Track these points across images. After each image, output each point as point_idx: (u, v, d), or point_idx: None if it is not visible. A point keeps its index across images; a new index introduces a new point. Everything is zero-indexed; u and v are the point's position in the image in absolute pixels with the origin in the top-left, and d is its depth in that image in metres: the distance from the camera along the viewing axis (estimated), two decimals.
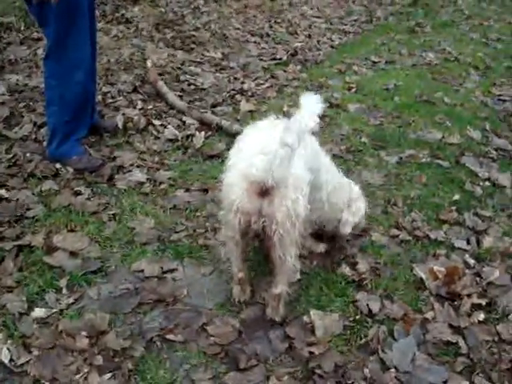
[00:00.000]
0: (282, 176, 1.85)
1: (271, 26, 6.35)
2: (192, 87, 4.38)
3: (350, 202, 2.56)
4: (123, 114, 3.82)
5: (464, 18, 7.65)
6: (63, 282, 2.34)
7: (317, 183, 2.24)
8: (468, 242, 2.81)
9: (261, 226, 1.97)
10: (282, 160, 1.79)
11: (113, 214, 2.82)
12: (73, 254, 2.51)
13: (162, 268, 2.44)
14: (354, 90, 4.62)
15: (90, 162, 3.23)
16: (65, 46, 2.97)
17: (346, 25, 6.81)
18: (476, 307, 2.34)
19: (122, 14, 6.18)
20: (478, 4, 8.61)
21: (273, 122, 2.23)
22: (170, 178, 3.15)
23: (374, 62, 5.37)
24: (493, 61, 5.73)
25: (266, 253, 2.24)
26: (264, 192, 1.91)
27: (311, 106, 1.81)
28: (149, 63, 4.46)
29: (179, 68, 4.83)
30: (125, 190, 3.04)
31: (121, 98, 4.16)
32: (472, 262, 2.65)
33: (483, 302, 2.37)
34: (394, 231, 2.83)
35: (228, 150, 3.38)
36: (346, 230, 2.55)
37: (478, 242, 2.81)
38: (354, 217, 2.55)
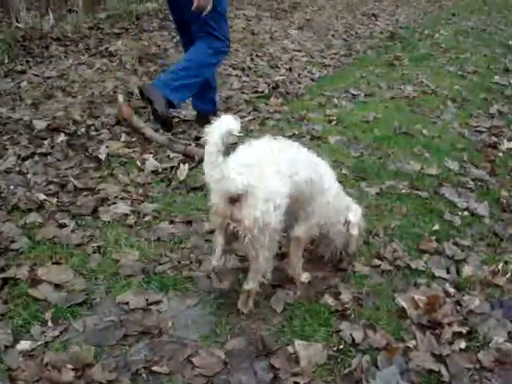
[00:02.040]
0: (247, 187, 2.09)
1: (253, 60, 6.45)
2: (176, 120, 4.43)
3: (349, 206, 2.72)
4: (107, 147, 3.86)
5: (441, 51, 7.83)
6: (48, 315, 2.33)
7: (318, 189, 2.47)
8: (448, 271, 2.85)
9: (233, 228, 2.19)
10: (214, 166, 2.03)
11: (97, 247, 2.83)
12: (58, 287, 2.51)
13: (147, 300, 2.45)
14: (334, 122, 4.70)
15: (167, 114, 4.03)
16: None
17: (326, 58, 6.94)
18: (457, 335, 2.37)
19: (106, 48, 6.26)
20: (454, 37, 8.82)
21: (264, 140, 2.43)
22: (154, 210, 3.18)
23: (354, 95, 5.47)
24: (469, 93, 5.86)
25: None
26: (234, 199, 2.14)
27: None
28: (120, 98, 4.47)
29: None
30: (109, 222, 3.06)
31: (104, 130, 4.21)
32: (452, 290, 2.68)
33: (464, 330, 2.39)
34: (376, 261, 2.87)
35: None
36: (355, 230, 2.67)
37: (458, 271, 2.85)
38: (356, 217, 2.70)
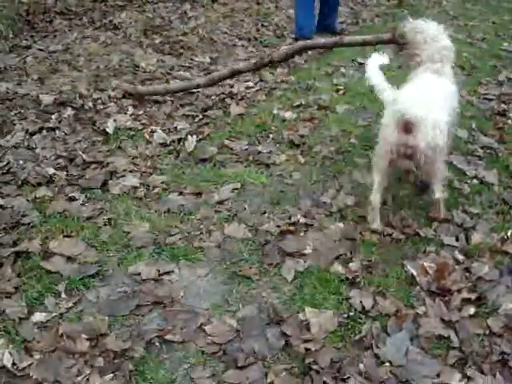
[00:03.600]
0: (420, 118, 2.56)
1: (258, 30, 6.39)
2: (182, 92, 4.41)
3: None
4: (114, 120, 3.86)
5: (449, 18, 7.70)
6: (61, 287, 2.37)
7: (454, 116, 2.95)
8: (457, 239, 2.85)
9: (409, 153, 2.66)
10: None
11: (108, 219, 2.85)
12: (70, 259, 2.54)
13: (158, 271, 2.48)
14: (341, 91, 4.66)
15: None
16: None
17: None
18: (466, 302, 2.39)
19: (110, 21, 6.22)
20: (462, 5, 8.68)
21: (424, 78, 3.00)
22: (163, 182, 3.19)
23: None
24: (478, 60, 5.79)
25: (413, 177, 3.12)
26: (409, 129, 2.60)
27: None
28: (113, 84, 4.51)
29: (168, 73, 4.87)
30: (119, 195, 3.08)
31: (111, 103, 4.20)
32: (461, 257, 2.69)
33: (473, 296, 2.41)
34: (385, 230, 2.88)
35: (219, 153, 3.49)
36: None
37: (467, 239, 2.85)
38: None
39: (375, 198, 2.86)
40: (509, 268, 2.68)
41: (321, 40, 4.24)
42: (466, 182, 3.39)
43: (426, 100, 2.66)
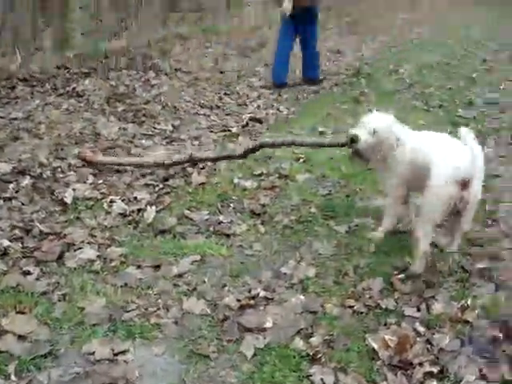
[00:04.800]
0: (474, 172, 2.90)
1: (221, 98, 6.50)
2: (138, 167, 4.40)
3: None
4: (73, 190, 3.82)
5: (406, 86, 7.98)
6: (11, 368, 2.25)
7: None
8: (418, 309, 2.85)
9: (461, 206, 2.97)
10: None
11: (62, 294, 2.76)
12: (21, 338, 2.44)
13: (112, 350, 2.38)
14: (302, 160, 4.73)
15: None
16: None
17: (293, 95, 7.01)
18: (428, 375, 2.35)
19: (73, 88, 6.24)
20: (419, 72, 9.00)
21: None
22: (121, 255, 3.13)
23: (321, 132, 5.52)
24: (435, 127, 5.93)
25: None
26: (465, 186, 2.91)
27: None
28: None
29: (130, 141, 4.88)
30: (75, 268, 3.00)
31: (71, 172, 4.16)
32: (422, 329, 2.67)
33: (435, 369, 2.38)
34: (346, 301, 2.86)
35: (179, 224, 3.45)
36: None
37: (428, 309, 2.85)
38: None
39: (426, 247, 3.10)
40: (470, 337, 2.67)
41: (279, 139, 4.33)
42: None
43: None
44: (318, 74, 7.78)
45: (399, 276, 3.09)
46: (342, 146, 3.77)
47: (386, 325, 2.71)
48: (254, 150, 4.19)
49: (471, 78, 8.76)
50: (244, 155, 4.21)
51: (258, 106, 6.32)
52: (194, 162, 4.29)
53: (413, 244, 3.14)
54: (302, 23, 7.48)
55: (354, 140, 3.36)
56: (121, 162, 4.35)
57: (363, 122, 3.37)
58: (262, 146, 4.20)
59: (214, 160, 4.38)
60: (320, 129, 5.56)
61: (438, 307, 2.85)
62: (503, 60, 10.78)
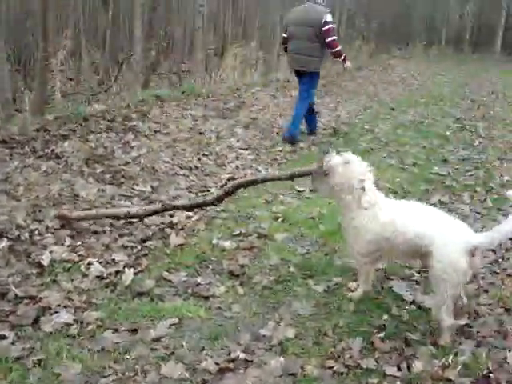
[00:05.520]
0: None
1: (200, 159, 6.55)
2: (121, 222, 4.40)
3: None
4: (50, 252, 3.79)
5: (381, 144, 8.13)
6: None
7: None
8: (399, 368, 2.85)
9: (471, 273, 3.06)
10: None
11: (38, 360, 2.71)
12: None
13: None
14: (280, 219, 4.75)
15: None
16: None
17: (271, 155, 7.10)
18: None
19: (52, 150, 6.25)
20: (394, 131, 9.19)
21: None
22: (97, 319, 3.08)
23: (299, 191, 5.58)
24: (410, 185, 6.06)
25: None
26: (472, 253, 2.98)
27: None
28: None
29: (109, 203, 4.88)
30: (51, 332, 2.95)
31: (49, 234, 4.13)
32: None
33: None
34: (326, 362, 2.84)
35: (157, 286, 3.43)
36: None
37: (409, 367, 2.85)
38: None
39: (450, 320, 3.11)
40: None
41: (249, 178, 4.42)
42: (405, 308, 3.43)
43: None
44: (295, 133, 7.86)
45: (379, 335, 3.10)
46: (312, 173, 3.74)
47: None
48: (227, 194, 4.20)
49: (445, 136, 8.97)
50: (218, 200, 4.20)
51: (237, 167, 6.38)
52: (167, 210, 4.29)
53: (436, 320, 3.17)
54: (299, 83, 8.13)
55: (326, 152, 3.41)
56: (96, 214, 4.36)
57: (345, 154, 3.39)
58: (234, 188, 4.21)
59: (188, 208, 4.38)
60: (298, 188, 5.62)
61: (418, 365, 2.85)
62: (475, 118, 11.08)
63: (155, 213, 4.31)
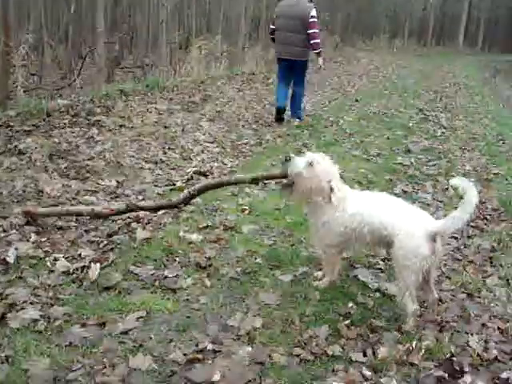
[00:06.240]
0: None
1: (165, 153, 6.53)
2: (87, 217, 4.37)
3: None
4: (16, 249, 3.75)
5: (346, 136, 8.23)
6: None
7: None
8: (364, 354, 2.91)
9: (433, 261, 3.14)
10: None
11: (5, 356, 2.69)
12: None
13: None
14: (246, 211, 4.79)
15: None
16: None
17: (237, 148, 7.13)
18: None
19: (15, 146, 6.16)
20: (358, 123, 9.32)
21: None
22: (65, 314, 3.07)
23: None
24: (375, 175, 6.15)
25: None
26: (434, 239, 3.08)
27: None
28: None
29: (74, 198, 4.84)
30: (18, 329, 2.92)
31: (13, 231, 4.09)
32: (369, 373, 2.74)
33: None
34: (294, 350, 2.89)
35: (124, 280, 3.42)
36: None
37: (374, 353, 2.92)
38: None
39: (414, 306, 3.18)
40: (416, 379, 2.74)
41: (214, 180, 4.53)
42: (370, 296, 3.50)
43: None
44: (300, 114, 9.13)
45: (345, 322, 3.16)
46: (277, 177, 3.80)
47: (333, 371, 2.76)
48: (192, 196, 4.20)
49: (408, 127, 9.12)
50: (183, 202, 4.19)
51: (203, 160, 6.38)
52: (132, 211, 4.27)
53: (400, 306, 3.23)
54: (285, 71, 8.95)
55: (287, 160, 3.41)
56: (61, 211, 4.33)
57: (306, 154, 3.42)
58: (200, 190, 4.21)
59: (153, 209, 4.37)
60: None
61: (383, 351, 2.91)
62: (438, 109, 11.28)
63: (120, 213, 4.27)
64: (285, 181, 3.49)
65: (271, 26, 8.93)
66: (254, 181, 4.07)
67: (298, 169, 3.32)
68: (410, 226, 3.12)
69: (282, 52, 8.69)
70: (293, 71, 8.82)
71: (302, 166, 3.31)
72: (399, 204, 3.32)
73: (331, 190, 3.29)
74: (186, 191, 4.23)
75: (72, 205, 4.64)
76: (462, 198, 3.04)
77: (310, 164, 3.29)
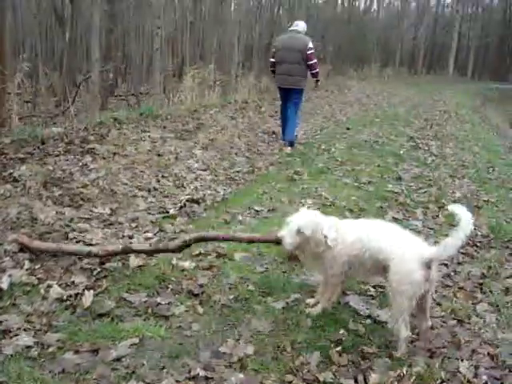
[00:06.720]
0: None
1: (158, 180, 6.58)
2: (81, 244, 4.40)
3: None
4: (9, 276, 3.77)
5: (337, 164, 8.31)
6: None
7: None
8: (355, 381, 2.94)
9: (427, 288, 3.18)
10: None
11: None
12: None
13: None
14: None
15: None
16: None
17: (229, 176, 7.19)
18: None
19: (10, 173, 6.20)
20: (349, 151, 9.40)
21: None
22: (58, 340, 3.09)
23: (257, 211, 5.66)
24: (366, 202, 6.21)
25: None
26: (429, 266, 3.14)
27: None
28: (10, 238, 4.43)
29: (67, 225, 4.87)
30: (11, 355, 2.94)
31: (7, 258, 4.11)
32: None
33: None
34: (285, 377, 2.92)
35: (118, 307, 3.44)
36: None
37: (365, 379, 2.94)
38: None
39: (407, 332, 3.22)
40: None
41: (211, 233, 4.46)
42: (361, 322, 3.54)
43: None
44: (293, 138, 9.39)
45: (336, 349, 3.18)
46: (273, 242, 3.91)
47: None
48: (188, 245, 4.16)
49: (399, 155, 9.22)
50: (179, 249, 4.17)
51: (196, 188, 6.42)
52: (127, 253, 4.23)
53: (393, 332, 3.26)
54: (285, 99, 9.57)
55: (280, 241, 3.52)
56: (56, 248, 4.30)
57: (289, 221, 3.49)
58: (196, 240, 4.20)
59: (150, 252, 4.30)
60: (256, 208, 5.71)
61: (374, 377, 2.95)
62: (429, 137, 11.41)
63: (116, 254, 4.26)
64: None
65: (271, 60, 9.55)
66: (250, 242, 4.14)
67: (290, 241, 3.42)
68: (406, 251, 3.19)
69: (284, 82, 9.31)
70: (289, 97, 9.34)
71: (294, 237, 3.42)
72: (395, 230, 3.41)
73: (326, 238, 3.41)
74: (181, 239, 4.22)
75: (66, 233, 4.67)
76: (455, 224, 3.10)
77: (299, 231, 3.40)
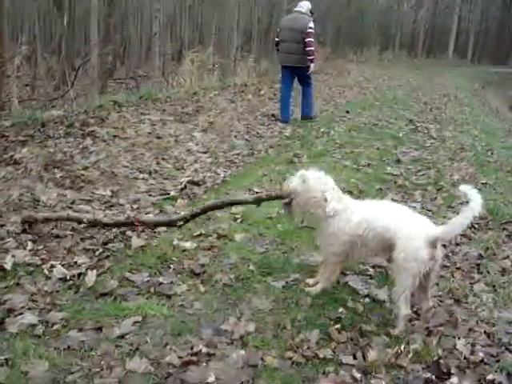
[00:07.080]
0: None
1: (158, 163, 6.61)
2: (83, 225, 4.44)
3: None
4: (13, 256, 3.82)
5: (337, 146, 8.33)
6: None
7: None
8: (354, 357, 3.00)
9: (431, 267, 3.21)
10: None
11: (5, 359, 2.76)
12: None
13: None
14: (239, 220, 4.87)
15: None
16: None
17: (229, 158, 7.22)
18: None
19: (11, 156, 6.23)
20: (348, 133, 9.41)
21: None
22: (62, 319, 3.14)
23: (257, 192, 5.68)
24: (365, 185, 6.24)
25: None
26: (434, 244, 3.19)
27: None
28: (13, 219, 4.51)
29: (69, 207, 4.91)
30: (17, 333, 2.99)
31: (10, 239, 4.15)
32: (359, 376, 2.82)
33: None
34: (286, 353, 2.97)
35: (120, 287, 3.49)
36: None
37: (364, 356, 3.00)
38: None
39: (407, 310, 3.27)
40: (404, 381, 2.83)
41: (217, 201, 4.55)
42: (360, 301, 3.59)
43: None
44: (310, 113, 10.50)
45: (335, 326, 3.24)
46: (278, 198, 3.90)
47: (324, 373, 2.84)
48: (194, 216, 4.24)
49: (398, 138, 9.24)
50: (184, 221, 4.25)
51: (196, 170, 6.46)
52: (133, 224, 4.35)
53: (394, 310, 3.33)
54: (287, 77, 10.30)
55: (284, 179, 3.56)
56: (61, 216, 4.42)
57: (299, 172, 3.57)
58: (202, 210, 4.28)
59: (154, 226, 4.43)
60: (255, 189, 5.74)
61: (373, 354, 2.99)
62: (428, 120, 11.42)
63: (122, 224, 4.33)
64: (285, 200, 3.64)
65: (276, 39, 10.36)
66: (257, 201, 4.15)
67: (293, 185, 3.51)
68: (412, 230, 3.24)
69: (285, 60, 10.05)
70: (298, 77, 10.24)
71: (297, 183, 3.49)
72: (402, 210, 3.47)
73: (325, 200, 3.43)
74: (189, 211, 4.28)
75: (67, 214, 4.71)
76: (453, 206, 3.17)
77: (304, 180, 3.47)
